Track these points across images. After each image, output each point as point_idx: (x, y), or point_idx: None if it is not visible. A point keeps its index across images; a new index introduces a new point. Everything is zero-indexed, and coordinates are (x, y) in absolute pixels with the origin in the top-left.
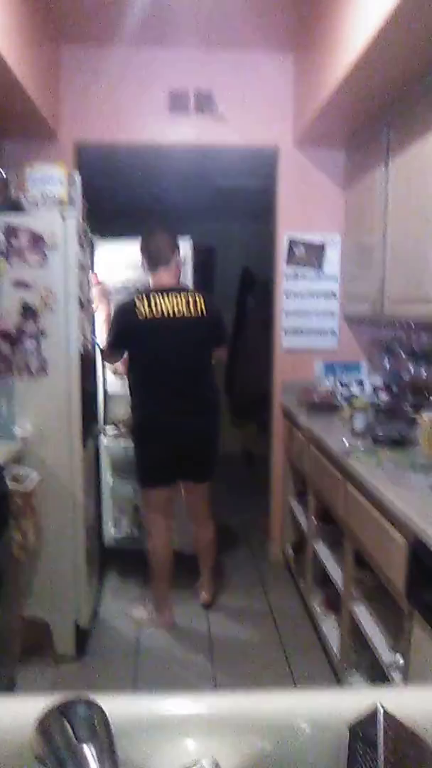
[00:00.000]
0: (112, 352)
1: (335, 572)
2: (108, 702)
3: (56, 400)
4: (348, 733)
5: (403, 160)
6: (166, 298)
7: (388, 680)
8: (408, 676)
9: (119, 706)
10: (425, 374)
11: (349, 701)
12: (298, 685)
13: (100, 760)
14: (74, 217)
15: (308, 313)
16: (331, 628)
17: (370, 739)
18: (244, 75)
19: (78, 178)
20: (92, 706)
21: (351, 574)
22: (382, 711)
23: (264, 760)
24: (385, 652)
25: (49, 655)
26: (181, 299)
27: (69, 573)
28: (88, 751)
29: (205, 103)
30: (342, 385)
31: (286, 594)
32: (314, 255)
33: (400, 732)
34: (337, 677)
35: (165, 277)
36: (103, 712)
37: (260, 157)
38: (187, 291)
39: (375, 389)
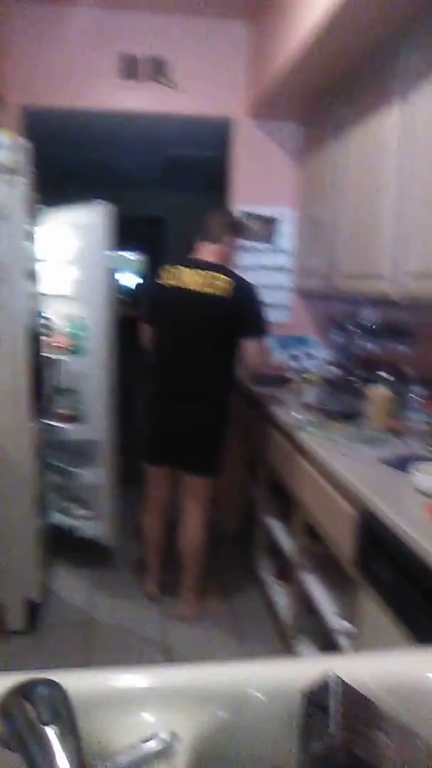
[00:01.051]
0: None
1: (286, 543)
2: (64, 678)
3: (4, 373)
4: (301, 700)
5: (355, 135)
6: (192, 270)
7: (337, 646)
8: (356, 642)
9: (75, 682)
10: (375, 349)
11: (302, 669)
12: (249, 652)
13: (63, 741)
14: (22, 185)
15: (260, 287)
16: (281, 597)
17: (322, 705)
18: (199, 43)
19: (26, 145)
20: (53, 686)
21: (301, 544)
22: (333, 677)
23: (221, 730)
24: (333, 619)
25: (0, 630)
26: (208, 275)
27: (19, 549)
28: (52, 733)
29: (157, 70)
30: (294, 359)
31: (237, 564)
32: (267, 228)
33: (351, 696)
34: (286, 644)
35: (205, 252)
36: (64, 692)
37: (213, 127)
38: (220, 270)
39: (326, 363)
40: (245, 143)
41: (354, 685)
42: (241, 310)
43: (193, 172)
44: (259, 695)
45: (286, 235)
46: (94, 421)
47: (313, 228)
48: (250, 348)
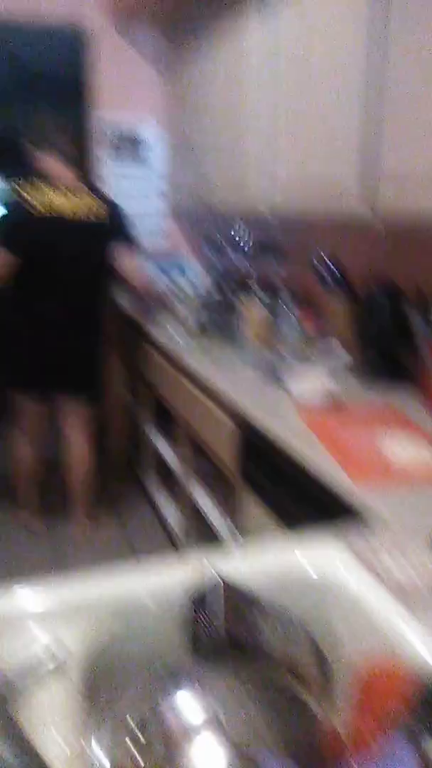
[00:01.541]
0: None
1: (172, 460)
2: None
3: None
4: (187, 600)
5: (220, 46)
6: (58, 192)
7: (225, 551)
8: (241, 543)
9: None
10: (249, 266)
11: (189, 572)
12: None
13: None
14: None
15: (133, 209)
16: (171, 512)
17: (208, 603)
18: None
19: None
20: None
21: (186, 459)
22: (216, 576)
23: (111, 639)
24: (220, 526)
25: None
26: (77, 197)
27: None
28: None
29: None
30: (171, 281)
31: (127, 485)
32: (136, 148)
33: (235, 593)
34: (179, 555)
35: (57, 167)
36: None
37: (71, 36)
38: (86, 189)
39: (202, 283)
40: (108, 55)
41: (236, 582)
42: (113, 227)
43: (52, 85)
44: (148, 602)
45: (156, 153)
46: None
47: (184, 146)
48: (122, 258)
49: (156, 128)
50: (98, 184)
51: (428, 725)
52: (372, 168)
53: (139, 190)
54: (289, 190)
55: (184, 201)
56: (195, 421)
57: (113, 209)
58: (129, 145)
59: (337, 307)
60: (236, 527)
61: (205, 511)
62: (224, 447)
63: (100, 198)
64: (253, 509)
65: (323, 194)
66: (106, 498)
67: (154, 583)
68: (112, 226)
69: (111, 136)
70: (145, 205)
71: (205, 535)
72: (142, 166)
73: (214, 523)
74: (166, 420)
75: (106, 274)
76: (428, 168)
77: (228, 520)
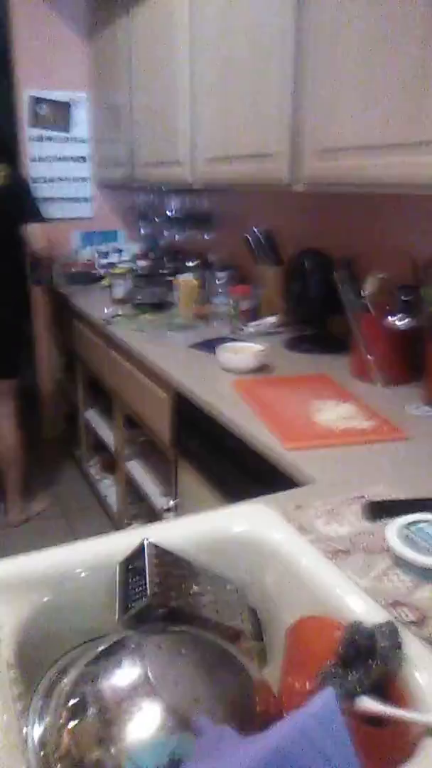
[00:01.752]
0: None
1: (108, 437)
2: None
3: None
4: (119, 568)
5: (146, 9)
6: None
7: None
8: (180, 514)
9: None
10: (179, 238)
11: (120, 542)
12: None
13: None
14: None
15: (59, 179)
16: (108, 489)
17: (138, 569)
18: None
19: None
20: None
21: (122, 435)
22: (146, 542)
23: (45, 610)
24: (157, 499)
25: None
26: None
27: None
28: None
29: None
30: (100, 254)
31: (64, 465)
32: (60, 115)
33: (163, 556)
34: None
35: None
36: None
37: None
38: None
39: (134, 256)
40: (27, 17)
41: (169, 548)
42: (21, 196)
43: None
44: (81, 572)
45: (82, 122)
46: None
47: (110, 114)
48: (34, 233)
49: (81, 95)
50: (20, 151)
51: (351, 666)
52: (296, 135)
53: (63, 157)
54: (215, 159)
55: (113, 171)
56: (129, 395)
57: (15, 172)
58: (53, 112)
59: (268, 277)
60: (174, 499)
61: (143, 485)
62: (158, 419)
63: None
64: (190, 479)
65: (249, 162)
66: (43, 478)
67: (87, 555)
68: (15, 188)
69: (34, 102)
70: (70, 173)
71: (144, 509)
72: (67, 134)
73: (153, 497)
74: (101, 396)
75: (19, 243)
76: (352, 135)
77: (167, 493)
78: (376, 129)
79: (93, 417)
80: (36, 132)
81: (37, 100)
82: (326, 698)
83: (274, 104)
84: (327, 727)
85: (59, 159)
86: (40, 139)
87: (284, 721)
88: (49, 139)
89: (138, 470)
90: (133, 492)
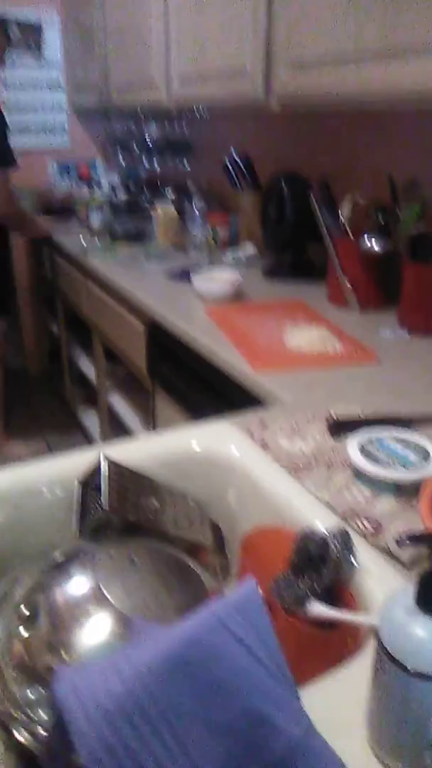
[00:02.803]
0: None
1: (89, 370)
2: None
3: None
4: (77, 485)
5: None
6: None
7: None
8: None
9: None
10: (158, 167)
11: (83, 460)
12: None
13: None
14: None
15: (33, 107)
16: (92, 422)
17: (96, 484)
18: None
19: None
20: None
21: (102, 368)
22: (103, 458)
23: (7, 526)
24: (138, 429)
25: None
26: None
27: None
28: None
29: None
30: (77, 184)
31: (48, 401)
32: (31, 37)
33: (121, 472)
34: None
35: None
36: None
37: None
38: None
39: (112, 187)
40: None
41: (129, 465)
42: None
43: None
44: (44, 489)
45: (54, 45)
46: None
47: (82, 36)
48: None
49: (52, 15)
50: None
51: (303, 573)
52: (270, 50)
53: (36, 83)
54: (190, 79)
55: (87, 96)
56: (106, 326)
57: None
58: (24, 35)
59: (246, 204)
60: (154, 429)
61: (124, 417)
62: (135, 349)
63: None
64: (168, 409)
65: (224, 81)
66: (27, 413)
67: (50, 472)
68: None
69: (4, 23)
70: (42, 99)
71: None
72: (39, 58)
73: (134, 429)
74: (82, 330)
75: None
76: (326, 46)
77: (144, 422)
78: (351, 39)
79: (74, 350)
80: (6, 55)
81: (6, 21)
82: (247, 588)
83: (248, 19)
84: (247, 617)
85: (32, 85)
86: (12, 63)
87: (202, 610)
88: (21, 63)
89: (119, 402)
90: (115, 424)
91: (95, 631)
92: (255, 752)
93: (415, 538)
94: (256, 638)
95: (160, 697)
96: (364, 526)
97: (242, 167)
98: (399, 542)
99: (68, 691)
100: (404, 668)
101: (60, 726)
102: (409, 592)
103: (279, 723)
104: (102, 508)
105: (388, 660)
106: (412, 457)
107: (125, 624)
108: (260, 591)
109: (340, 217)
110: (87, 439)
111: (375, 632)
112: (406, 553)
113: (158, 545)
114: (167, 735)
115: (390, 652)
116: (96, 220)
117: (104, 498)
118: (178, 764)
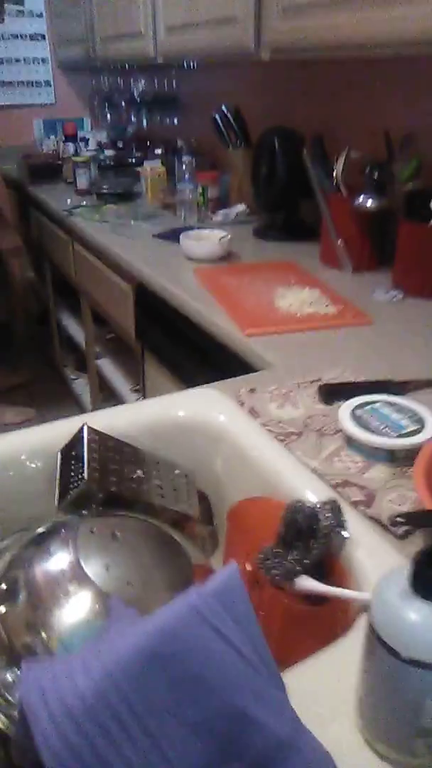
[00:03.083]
0: None
1: (79, 335)
2: None
3: None
4: (58, 456)
5: None
6: None
7: None
8: None
9: None
10: (146, 123)
11: (66, 429)
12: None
13: None
14: None
15: (15, 60)
16: (82, 387)
17: (77, 454)
18: None
19: None
20: None
21: (91, 332)
22: (85, 428)
23: None
24: (128, 394)
25: None
26: None
27: None
28: None
29: None
30: (63, 143)
31: (38, 366)
32: None
33: (104, 441)
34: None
35: None
36: None
37: None
38: None
39: (99, 145)
40: None
41: (114, 433)
42: None
43: None
44: (25, 459)
45: None
46: None
47: None
48: None
49: None
50: None
51: (292, 546)
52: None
53: (19, 34)
54: (178, 28)
55: (72, 50)
56: (94, 289)
57: None
58: None
59: (236, 161)
60: (144, 393)
61: (113, 382)
62: (123, 312)
63: None
64: (156, 373)
65: (213, 29)
66: (17, 380)
67: (32, 441)
68: None
69: None
70: (25, 53)
71: (113, 403)
72: (20, 4)
73: (123, 394)
74: (71, 295)
75: None
76: None
77: (134, 386)
78: None
79: (63, 316)
80: None
81: None
82: (228, 574)
83: None
84: (227, 605)
85: (13, 36)
86: None
87: (177, 598)
88: (1, 13)
89: (108, 367)
90: (105, 390)
91: (75, 609)
92: (235, 750)
93: (410, 518)
94: (236, 629)
95: (131, 695)
96: (356, 495)
97: (232, 122)
98: (393, 524)
99: (32, 690)
100: (396, 654)
101: (25, 725)
102: (403, 572)
103: (260, 718)
104: (83, 479)
105: (379, 644)
106: (406, 423)
107: (105, 602)
108: (246, 567)
109: (334, 173)
110: (78, 406)
111: (367, 613)
112: (401, 527)
113: (142, 519)
114: (139, 734)
115: (382, 636)
116: (82, 179)
117: (86, 468)
118: (151, 765)
